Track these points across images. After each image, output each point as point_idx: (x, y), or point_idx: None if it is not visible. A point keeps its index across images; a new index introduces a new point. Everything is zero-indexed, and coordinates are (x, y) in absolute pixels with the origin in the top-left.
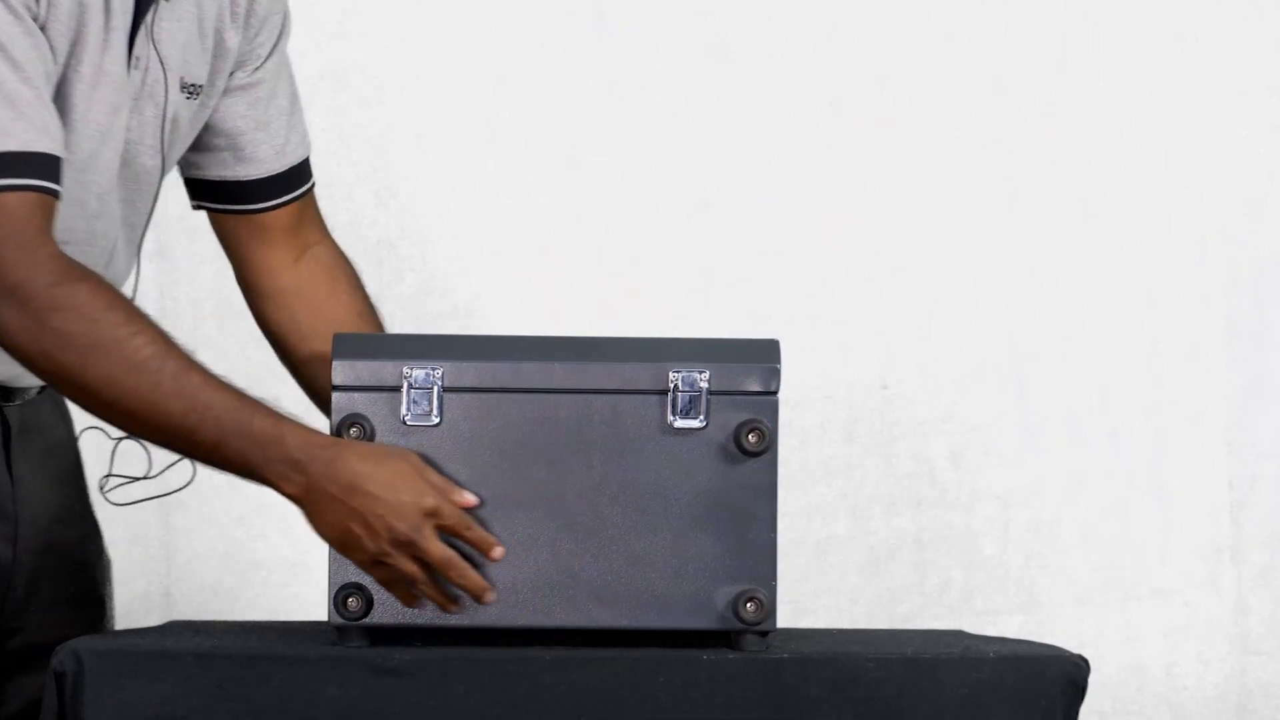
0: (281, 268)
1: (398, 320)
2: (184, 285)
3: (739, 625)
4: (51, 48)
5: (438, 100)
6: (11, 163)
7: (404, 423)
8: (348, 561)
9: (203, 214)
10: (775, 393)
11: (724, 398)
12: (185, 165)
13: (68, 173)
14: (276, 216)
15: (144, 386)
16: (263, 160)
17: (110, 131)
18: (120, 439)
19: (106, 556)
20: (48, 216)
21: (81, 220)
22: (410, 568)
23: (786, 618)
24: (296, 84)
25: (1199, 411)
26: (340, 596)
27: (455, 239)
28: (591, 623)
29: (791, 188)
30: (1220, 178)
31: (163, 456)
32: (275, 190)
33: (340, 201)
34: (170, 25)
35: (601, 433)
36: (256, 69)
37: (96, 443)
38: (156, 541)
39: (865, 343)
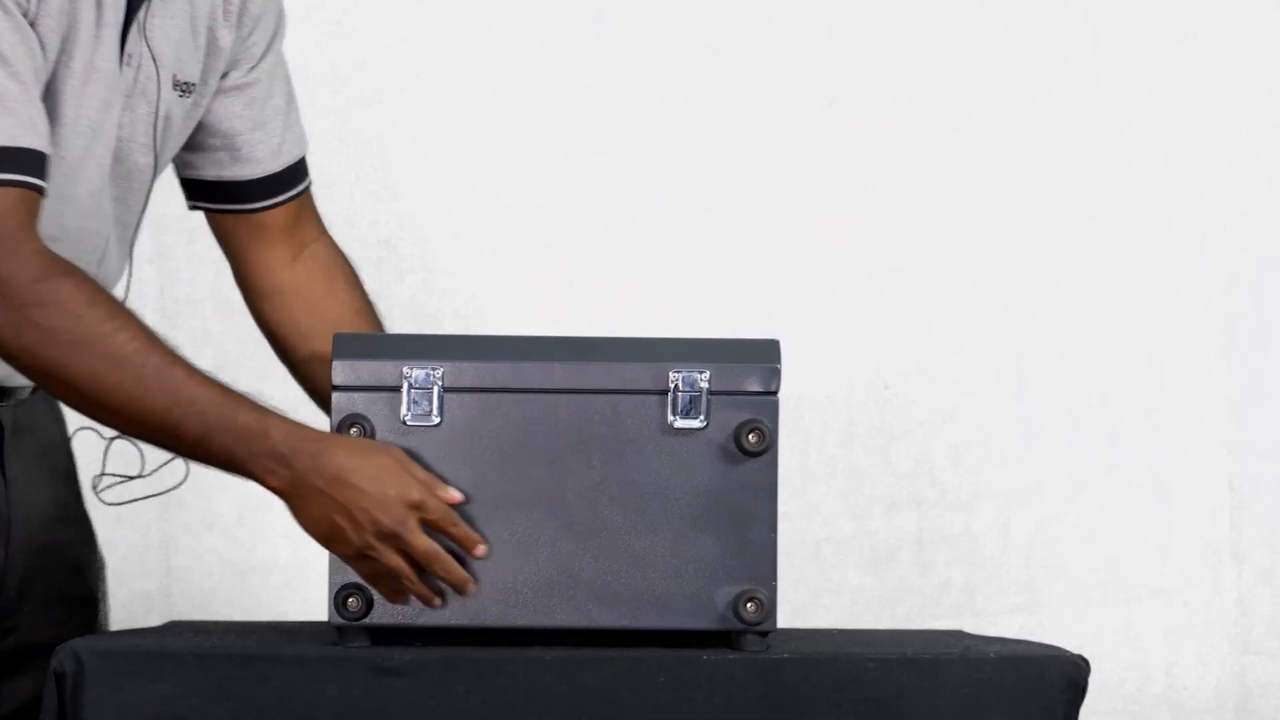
0: (279, 266)
1: (398, 320)
2: (184, 285)
3: (739, 625)
4: (42, 44)
5: (438, 100)
6: None
7: (404, 423)
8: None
9: (201, 215)
10: (775, 393)
11: (724, 398)
12: (181, 165)
13: (59, 169)
14: (274, 215)
15: (127, 382)
16: (259, 160)
17: (102, 128)
18: (113, 438)
19: (101, 557)
20: (32, 213)
21: (73, 218)
22: (396, 561)
23: (786, 618)
24: (293, 83)
25: (1199, 411)
26: (340, 596)
27: (455, 239)
28: (591, 623)
29: (791, 188)
30: (1220, 178)
31: (156, 455)
32: (272, 190)
33: (340, 201)
34: (163, 22)
35: (601, 433)
36: (252, 69)
37: (90, 443)
38: (156, 541)
39: (865, 343)
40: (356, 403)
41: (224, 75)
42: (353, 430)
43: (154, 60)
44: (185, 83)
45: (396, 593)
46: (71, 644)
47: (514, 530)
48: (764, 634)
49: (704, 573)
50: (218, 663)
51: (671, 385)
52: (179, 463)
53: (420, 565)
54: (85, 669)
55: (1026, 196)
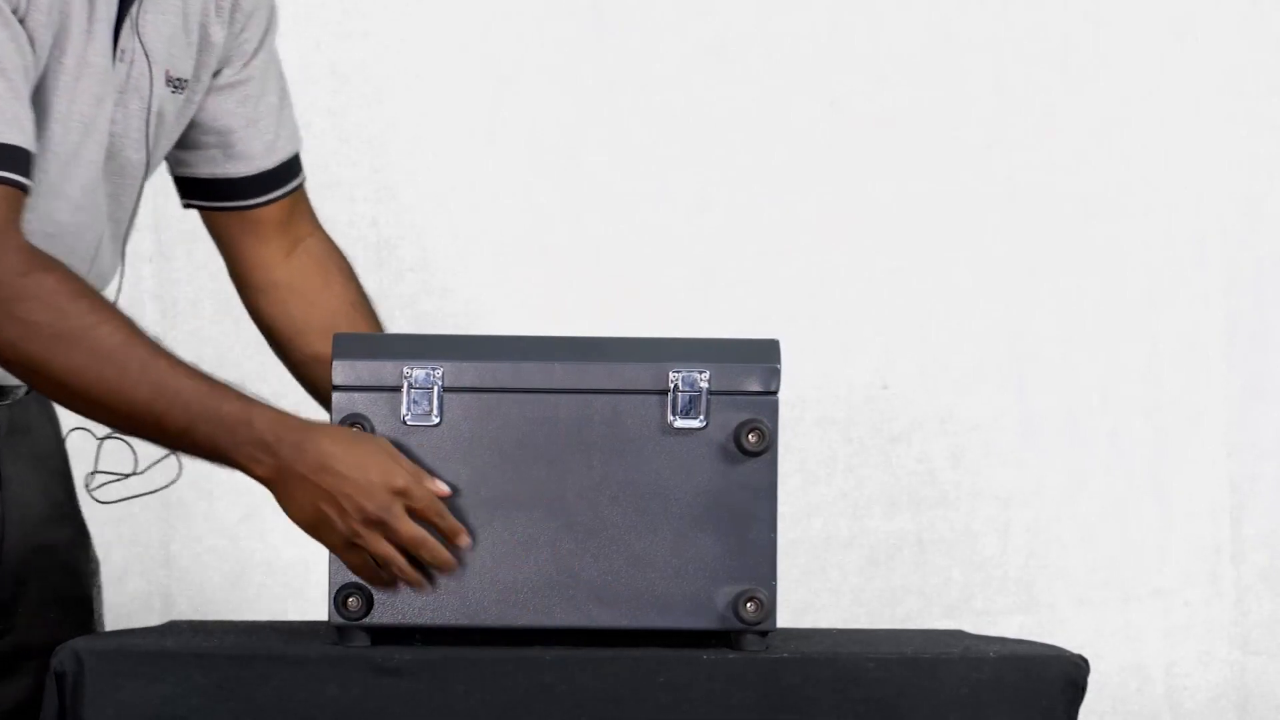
0: (275, 262)
1: (398, 320)
2: (184, 286)
3: (739, 625)
4: (31, 40)
5: (438, 100)
6: None
7: (404, 423)
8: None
9: (198, 214)
10: (775, 393)
11: (724, 398)
12: (175, 164)
13: (52, 164)
14: (268, 211)
15: (111, 374)
16: (253, 157)
17: (94, 124)
18: (105, 437)
19: (95, 558)
20: (15, 209)
21: (66, 213)
22: (384, 548)
23: (786, 618)
24: (286, 80)
25: (1199, 411)
26: (340, 596)
27: (455, 239)
28: (591, 623)
29: (791, 188)
30: (1220, 178)
31: (148, 454)
32: (266, 186)
33: (340, 201)
34: (155, 18)
35: (601, 433)
36: (244, 65)
37: (84, 444)
38: (156, 541)
39: (865, 343)
40: (356, 403)
41: (217, 72)
42: (353, 430)
43: (146, 56)
44: (178, 79)
45: (386, 582)
46: (71, 644)
47: (514, 530)
48: (764, 634)
49: (704, 572)
50: (218, 663)
51: (671, 385)
52: (172, 461)
53: (408, 552)
54: (85, 669)
55: (1026, 196)
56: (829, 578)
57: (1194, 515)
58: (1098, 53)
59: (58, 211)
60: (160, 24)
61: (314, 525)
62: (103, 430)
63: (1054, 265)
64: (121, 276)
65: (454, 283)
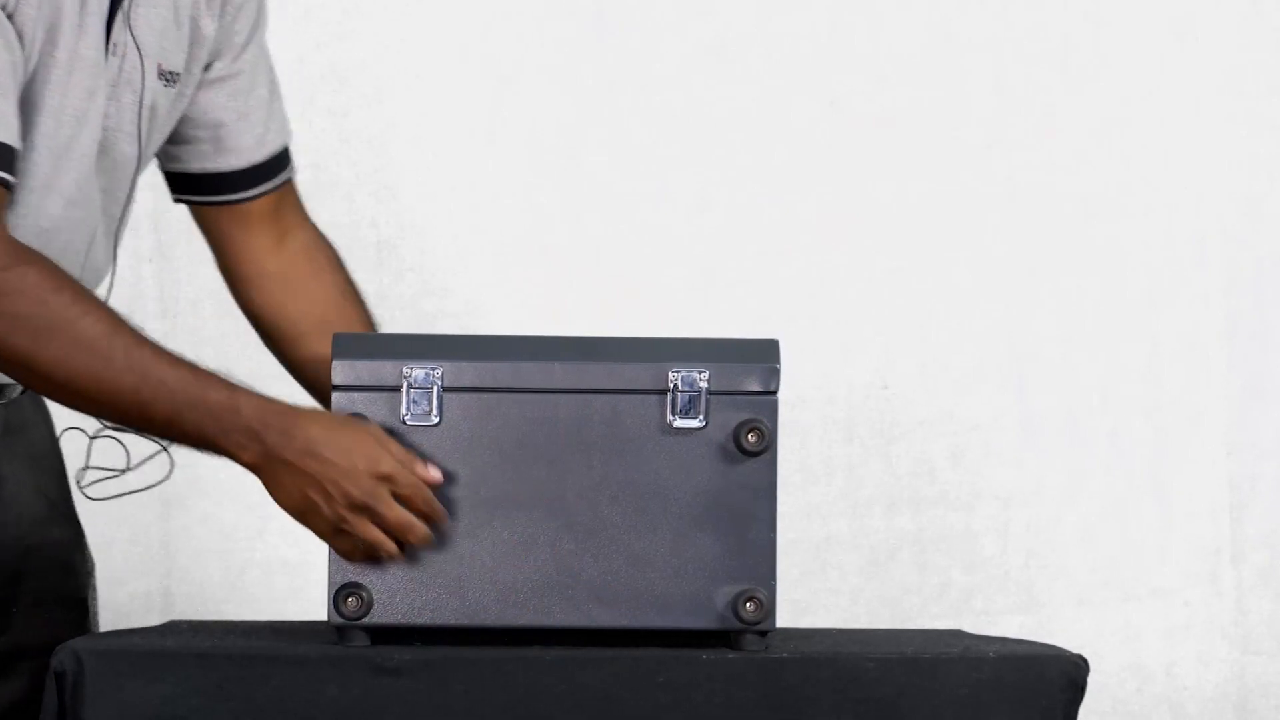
0: (264, 253)
1: (398, 320)
2: (184, 285)
3: (739, 625)
4: (20, 35)
5: (438, 100)
6: None
7: (404, 422)
8: (347, 561)
9: None
10: (775, 393)
11: (724, 397)
12: (165, 159)
13: (45, 159)
14: (258, 204)
15: (96, 365)
16: (243, 150)
17: (85, 117)
18: (95, 434)
19: (90, 558)
20: None
21: (60, 208)
22: (372, 533)
23: (786, 618)
24: (275, 72)
25: (1199, 411)
26: (340, 596)
27: (455, 239)
28: (591, 623)
29: (791, 188)
30: (1220, 178)
31: (140, 450)
32: (256, 179)
33: (340, 201)
34: (147, 12)
35: (601, 433)
36: (235, 59)
37: (77, 443)
38: (156, 541)
39: (865, 343)
40: (356, 402)
41: (207, 66)
42: None
43: (138, 50)
44: (170, 72)
45: (376, 563)
46: (71, 644)
47: (514, 530)
48: (763, 633)
49: (703, 572)
50: (218, 663)
51: (671, 385)
52: (164, 457)
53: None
54: (85, 669)
55: (1026, 196)
56: (829, 578)
57: (1194, 515)
58: (1098, 53)
59: (51, 206)
60: (152, 17)
61: (301, 511)
62: (95, 428)
63: (1054, 265)
64: (114, 272)
65: (454, 283)
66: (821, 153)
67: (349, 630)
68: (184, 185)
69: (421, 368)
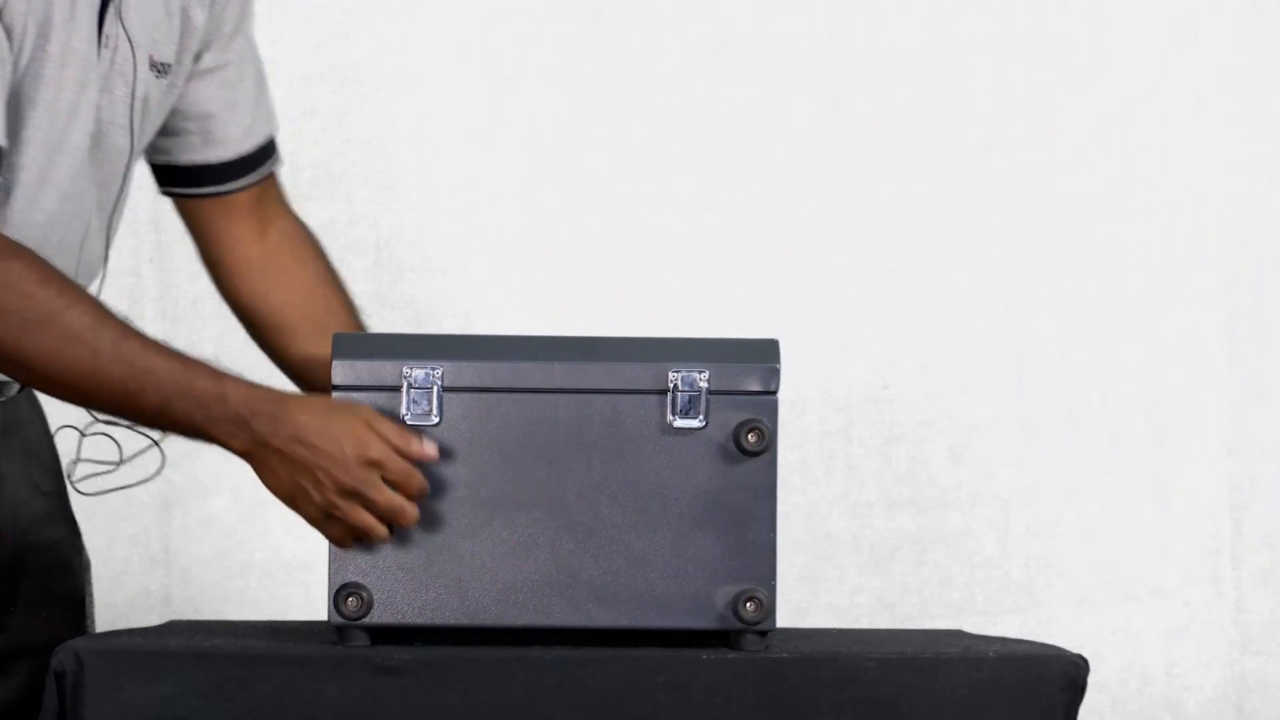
0: (248, 242)
1: (398, 320)
2: (184, 285)
3: (739, 625)
4: (9, 31)
5: (438, 100)
6: None
7: (404, 422)
8: (348, 561)
9: None
10: (775, 392)
11: (724, 397)
12: (152, 151)
13: (40, 153)
14: (243, 194)
15: (84, 356)
16: (231, 141)
17: (77, 110)
18: (87, 428)
19: (86, 557)
20: None
21: (54, 202)
22: (364, 519)
23: (786, 618)
24: (262, 62)
25: (1199, 411)
26: (340, 596)
27: (455, 239)
28: (591, 623)
29: (791, 188)
30: (1220, 178)
31: (131, 444)
32: (243, 170)
33: (340, 201)
34: (138, 4)
35: (601, 432)
36: (224, 50)
37: (70, 442)
38: (156, 541)
39: (865, 343)
40: (356, 402)
41: (197, 57)
42: None
43: (130, 42)
44: (161, 63)
45: (366, 547)
46: (71, 644)
47: (514, 530)
48: (763, 633)
49: (703, 572)
50: (218, 663)
51: (671, 385)
52: (155, 452)
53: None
54: (85, 669)
55: (1026, 196)
56: (829, 578)
57: (1194, 515)
58: (1098, 53)
59: (46, 200)
60: (143, 9)
61: (291, 497)
62: (87, 424)
63: (1054, 265)
64: (105, 265)
65: (454, 283)
66: (821, 153)
67: (349, 630)
68: (171, 177)
69: (421, 368)
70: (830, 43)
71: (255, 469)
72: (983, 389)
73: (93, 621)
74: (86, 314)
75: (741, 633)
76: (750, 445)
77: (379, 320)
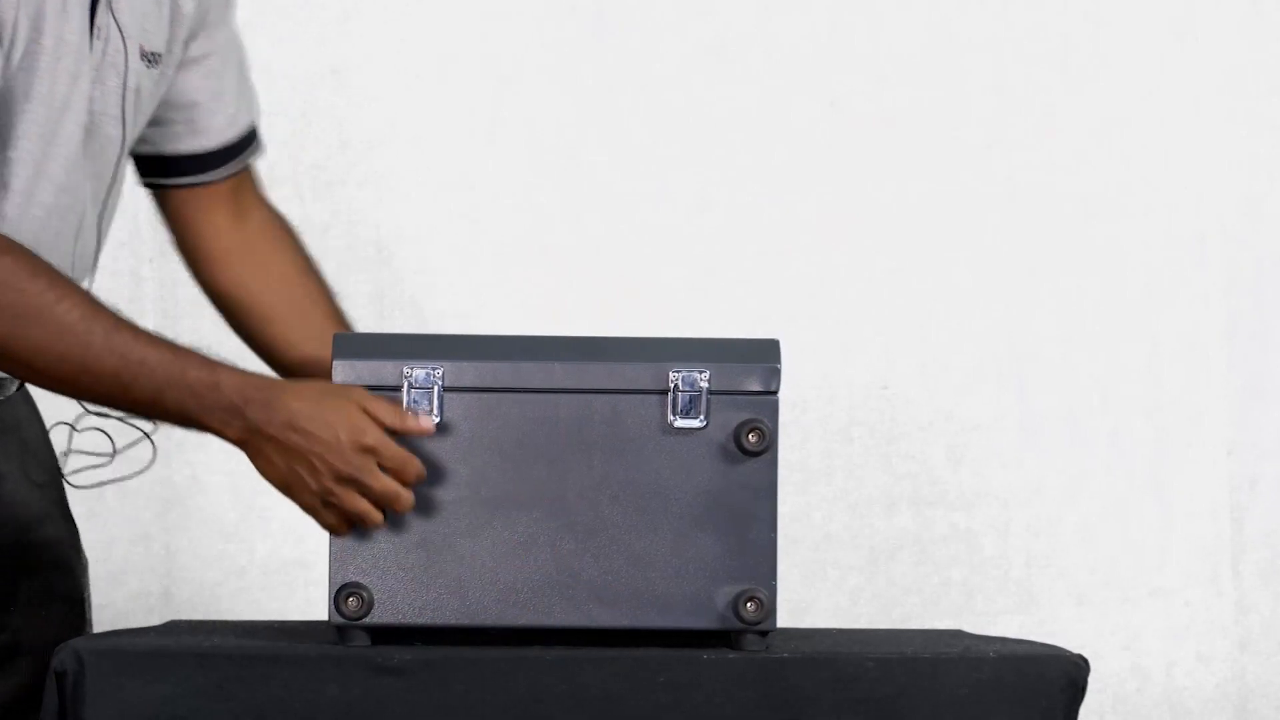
0: (225, 230)
1: (398, 320)
2: (184, 285)
3: (739, 625)
4: (0, 24)
5: (438, 100)
6: None
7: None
8: (348, 561)
9: None
10: (775, 392)
11: (724, 397)
12: (137, 141)
13: (36, 146)
14: (223, 183)
15: (76, 349)
16: (215, 131)
17: (71, 102)
18: (78, 420)
19: (85, 557)
20: None
21: (50, 194)
22: (360, 505)
23: (786, 618)
24: (244, 49)
25: (1199, 411)
26: (340, 596)
27: (455, 239)
28: (592, 622)
29: (791, 188)
30: (1220, 178)
31: (124, 436)
32: (226, 158)
33: (340, 201)
34: None
35: (602, 432)
36: (210, 38)
37: (62, 438)
38: (156, 541)
39: (865, 343)
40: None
41: (185, 46)
42: None
43: (121, 32)
44: (152, 53)
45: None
46: (72, 644)
47: (514, 530)
48: (764, 633)
49: (704, 572)
50: (218, 663)
51: (671, 385)
52: (146, 443)
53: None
54: (86, 668)
55: (1026, 196)
56: (829, 578)
57: (1194, 515)
58: (1098, 53)
59: (42, 194)
60: (134, 0)
61: (286, 485)
62: (79, 418)
63: (1054, 265)
64: (99, 258)
65: (454, 283)
66: (821, 153)
67: (349, 630)
68: (154, 168)
69: (422, 367)
70: (830, 43)
71: (250, 457)
72: (983, 389)
73: (90, 621)
74: (78, 307)
75: (742, 633)
76: (751, 445)
77: (380, 321)
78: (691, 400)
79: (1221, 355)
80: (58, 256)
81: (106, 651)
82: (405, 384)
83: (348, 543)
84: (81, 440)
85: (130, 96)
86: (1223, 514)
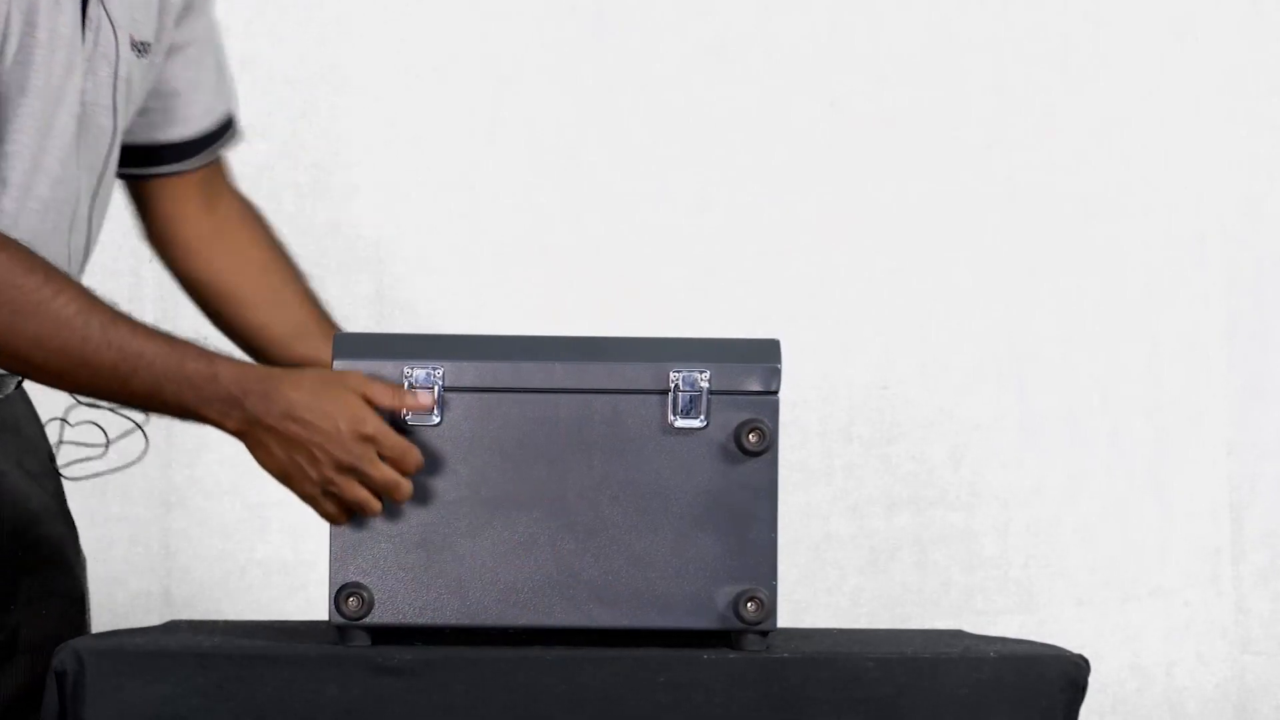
0: (197, 218)
1: (397, 320)
2: None
3: (739, 625)
4: None
5: (438, 100)
6: None
7: (405, 422)
8: (349, 561)
9: None
10: (776, 392)
11: (724, 397)
12: None
13: (33, 139)
14: (196, 171)
15: (73, 343)
16: (193, 120)
17: (65, 94)
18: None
19: (83, 555)
20: None
21: (46, 187)
22: (360, 494)
23: (787, 618)
24: (222, 39)
25: (1199, 411)
26: (341, 596)
27: (455, 239)
28: (592, 623)
29: (791, 188)
30: (1220, 178)
31: (116, 427)
32: (201, 146)
33: (340, 202)
34: None
35: (602, 432)
36: (191, 28)
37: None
38: (156, 541)
39: (865, 343)
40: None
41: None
42: None
43: (111, 23)
44: (141, 42)
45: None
46: (72, 644)
47: (514, 530)
48: (764, 633)
49: (704, 572)
50: (218, 663)
51: (672, 385)
52: (138, 435)
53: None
54: (86, 668)
55: (1026, 196)
56: (829, 578)
57: (1194, 515)
58: (1098, 53)
59: (39, 187)
60: None
61: (286, 475)
62: (74, 414)
63: (1054, 265)
64: (90, 249)
65: (454, 283)
66: (821, 153)
67: (349, 630)
68: (129, 158)
69: (422, 367)
70: (830, 43)
71: (249, 448)
72: (983, 389)
73: (90, 620)
74: (75, 301)
75: (742, 633)
76: (751, 445)
77: (380, 321)
78: (692, 400)
79: (1221, 355)
80: (54, 250)
81: (106, 651)
82: (406, 384)
83: (348, 543)
84: (74, 433)
85: (122, 87)
86: (1223, 514)
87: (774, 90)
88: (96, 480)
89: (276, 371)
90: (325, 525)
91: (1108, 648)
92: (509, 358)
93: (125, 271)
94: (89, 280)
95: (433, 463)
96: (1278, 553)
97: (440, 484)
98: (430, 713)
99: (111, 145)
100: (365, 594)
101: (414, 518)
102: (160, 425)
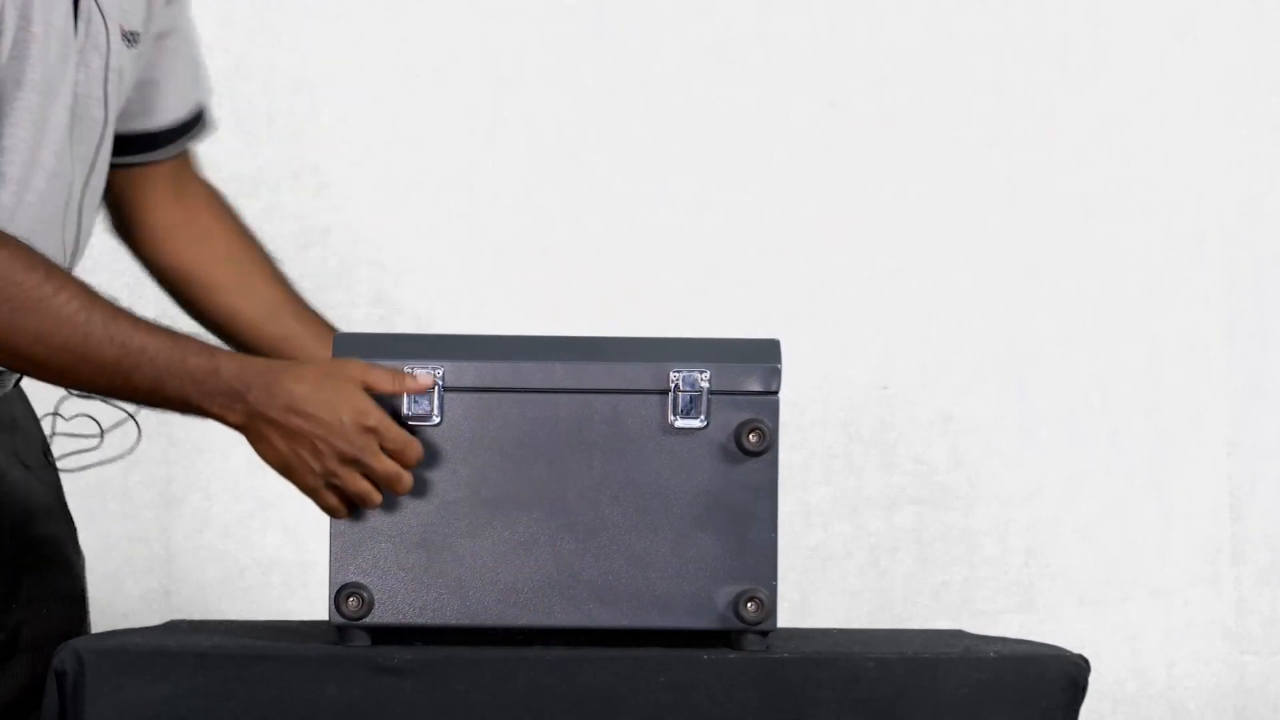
0: (165, 205)
1: (398, 320)
2: None
3: (739, 625)
4: None
5: (438, 100)
6: None
7: (404, 422)
8: (348, 561)
9: None
10: (776, 392)
11: (725, 397)
12: None
13: (29, 133)
14: (168, 160)
15: (75, 340)
16: (168, 109)
17: (58, 86)
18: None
19: (82, 553)
20: None
21: (43, 180)
22: (361, 486)
23: (786, 618)
24: (196, 29)
25: (1199, 411)
26: (341, 596)
27: (455, 239)
28: (592, 622)
29: (791, 188)
30: (1220, 178)
31: (109, 418)
32: (175, 136)
33: (340, 201)
34: None
35: (602, 432)
36: (170, 16)
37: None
38: (156, 541)
39: (865, 343)
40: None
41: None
42: None
43: (102, 14)
44: (131, 33)
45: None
46: (72, 643)
47: (514, 530)
48: (764, 633)
49: (704, 572)
50: (218, 663)
51: (672, 385)
52: (130, 425)
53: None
54: (86, 668)
55: (1026, 196)
56: (829, 578)
57: (1194, 515)
58: (1098, 53)
59: (36, 180)
60: None
61: (288, 467)
62: (59, 401)
63: (1054, 265)
64: (78, 241)
65: (454, 283)
66: (821, 153)
67: (349, 630)
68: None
69: (422, 367)
70: (830, 43)
71: (250, 441)
72: (983, 389)
73: (89, 619)
74: (76, 297)
75: (742, 633)
76: (751, 445)
77: (380, 321)
78: (692, 400)
79: (1221, 355)
80: (49, 243)
81: (106, 651)
82: None
83: (348, 543)
84: (68, 426)
85: (113, 78)
86: (1223, 514)
87: (774, 90)
88: (97, 480)
89: (278, 364)
90: (326, 525)
91: (1108, 648)
92: (509, 358)
93: (126, 271)
94: (92, 277)
95: (433, 462)
96: (1278, 553)
97: (440, 484)
98: (430, 713)
99: (103, 137)
100: (365, 594)
101: (414, 517)
102: (160, 425)
